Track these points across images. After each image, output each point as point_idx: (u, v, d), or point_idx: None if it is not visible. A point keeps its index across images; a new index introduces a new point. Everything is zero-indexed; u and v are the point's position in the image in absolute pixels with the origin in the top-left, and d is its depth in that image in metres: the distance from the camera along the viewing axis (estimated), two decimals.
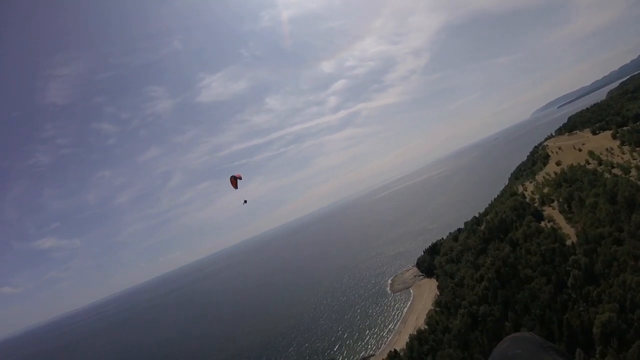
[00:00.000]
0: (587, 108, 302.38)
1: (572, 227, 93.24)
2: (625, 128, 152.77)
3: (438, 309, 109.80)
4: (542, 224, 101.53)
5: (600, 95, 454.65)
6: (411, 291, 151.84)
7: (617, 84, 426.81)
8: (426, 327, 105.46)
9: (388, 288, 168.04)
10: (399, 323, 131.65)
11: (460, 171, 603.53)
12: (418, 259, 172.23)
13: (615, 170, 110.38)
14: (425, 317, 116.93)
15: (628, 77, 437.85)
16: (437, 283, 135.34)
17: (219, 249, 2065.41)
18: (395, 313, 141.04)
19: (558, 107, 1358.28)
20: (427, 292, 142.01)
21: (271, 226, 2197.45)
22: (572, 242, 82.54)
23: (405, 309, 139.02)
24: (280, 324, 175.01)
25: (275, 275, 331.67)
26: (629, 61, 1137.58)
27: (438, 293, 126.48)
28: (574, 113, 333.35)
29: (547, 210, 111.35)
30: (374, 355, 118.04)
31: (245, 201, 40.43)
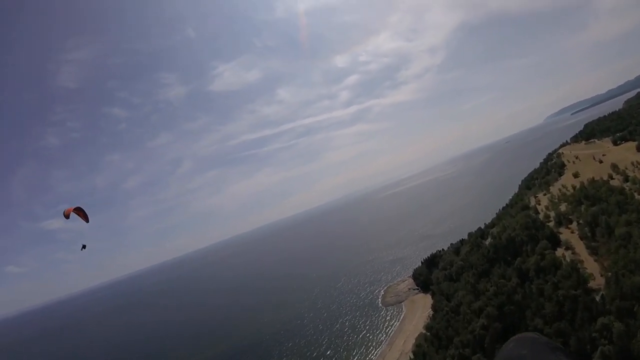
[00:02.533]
0: (604, 116, 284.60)
1: (595, 260, 75.80)
2: None
3: (429, 334, 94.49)
4: (559, 252, 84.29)
5: (616, 104, 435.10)
6: (403, 307, 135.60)
7: (634, 93, 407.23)
8: (411, 357, 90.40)
9: (380, 300, 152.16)
10: (384, 344, 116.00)
11: (468, 173, 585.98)
12: (415, 270, 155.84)
13: None
14: (413, 341, 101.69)
15: None
16: (432, 301, 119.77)
17: (224, 237, 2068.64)
18: (383, 331, 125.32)
19: (572, 114, 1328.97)
20: (420, 310, 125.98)
21: (278, 217, 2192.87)
22: (598, 286, 65.28)
23: (395, 328, 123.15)
24: (265, 328, 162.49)
25: (274, 269, 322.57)
26: None
27: (431, 314, 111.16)
28: (589, 120, 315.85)
29: (565, 234, 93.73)
30: None
31: (84, 246, 27.47)
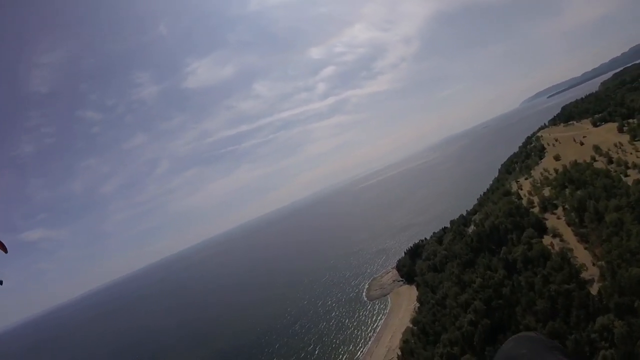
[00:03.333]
0: (582, 98, 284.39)
1: (586, 248, 72.33)
2: (633, 121, 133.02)
3: (415, 328, 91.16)
4: (547, 240, 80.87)
5: (592, 86, 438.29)
6: (389, 299, 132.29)
7: (610, 75, 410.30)
8: (399, 353, 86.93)
9: (365, 293, 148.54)
10: (371, 341, 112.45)
11: (448, 160, 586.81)
12: (398, 261, 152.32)
13: (633, 173, 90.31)
14: (400, 337, 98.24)
15: (621, 68, 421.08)
16: (417, 293, 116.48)
17: (207, 237, 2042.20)
18: (370, 327, 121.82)
19: (548, 97, 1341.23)
20: (405, 302, 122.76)
21: (260, 213, 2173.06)
22: (592, 277, 61.65)
23: (381, 323, 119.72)
24: (251, 329, 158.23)
25: (257, 266, 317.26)
26: (619, 54, 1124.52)
27: (417, 306, 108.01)
28: (566, 103, 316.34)
29: (551, 220, 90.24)
30: None
31: (1, 282, 21.86)
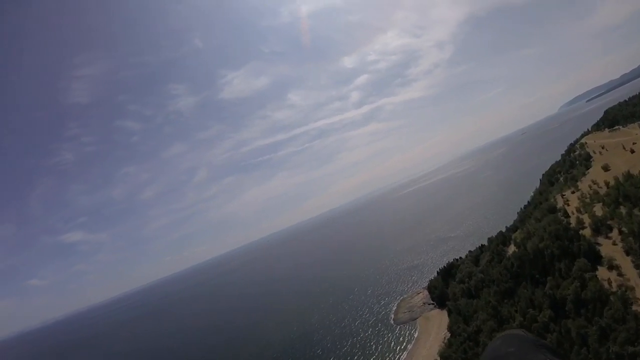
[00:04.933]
0: (625, 101, 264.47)
1: None
2: None
3: None
4: (602, 272, 66.98)
5: (632, 88, 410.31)
6: (417, 325, 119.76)
7: None
8: None
9: (392, 315, 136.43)
10: None
11: (485, 168, 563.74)
12: (430, 281, 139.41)
13: None
14: None
15: None
16: (447, 320, 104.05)
17: (243, 244, 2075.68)
18: (395, 355, 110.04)
19: (587, 101, 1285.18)
20: (435, 329, 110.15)
21: (296, 221, 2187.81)
22: None
23: (407, 353, 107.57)
24: (276, 344, 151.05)
25: (289, 276, 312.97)
26: None
27: (447, 336, 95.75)
28: (608, 107, 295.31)
29: (605, 245, 76.16)
30: None
31: None
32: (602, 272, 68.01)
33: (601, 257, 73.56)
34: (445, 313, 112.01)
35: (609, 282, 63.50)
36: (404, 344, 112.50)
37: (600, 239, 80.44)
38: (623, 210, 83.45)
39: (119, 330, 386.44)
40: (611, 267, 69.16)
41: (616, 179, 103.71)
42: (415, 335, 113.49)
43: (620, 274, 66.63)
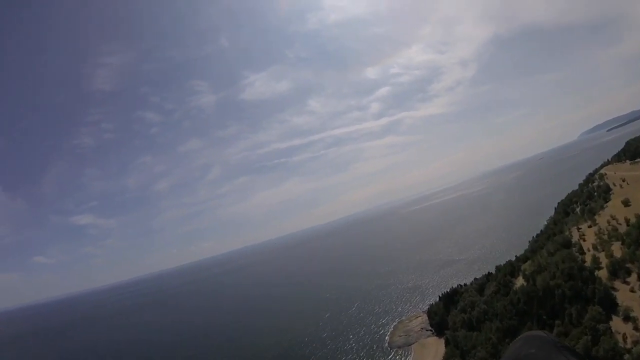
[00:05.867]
0: None
1: None
2: None
3: None
4: (616, 323, 59.44)
5: None
6: (412, 351, 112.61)
7: None
8: None
9: (388, 338, 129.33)
10: None
11: (499, 191, 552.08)
12: (431, 306, 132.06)
13: None
14: None
15: None
16: (444, 351, 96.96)
17: (249, 244, 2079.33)
18: None
19: (607, 130, 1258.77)
20: (429, 359, 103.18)
21: (305, 226, 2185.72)
22: None
23: None
24: (266, 349, 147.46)
25: (290, 282, 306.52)
26: None
27: None
28: (629, 137, 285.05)
29: (622, 292, 68.13)
30: None
31: None
32: (616, 323, 60.52)
33: (617, 305, 65.95)
34: (442, 342, 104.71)
35: (624, 338, 55.99)
36: None
37: (617, 284, 72.60)
38: None
39: (116, 317, 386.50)
40: (627, 319, 61.48)
41: (638, 216, 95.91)
42: None
43: (636, 328, 58.86)
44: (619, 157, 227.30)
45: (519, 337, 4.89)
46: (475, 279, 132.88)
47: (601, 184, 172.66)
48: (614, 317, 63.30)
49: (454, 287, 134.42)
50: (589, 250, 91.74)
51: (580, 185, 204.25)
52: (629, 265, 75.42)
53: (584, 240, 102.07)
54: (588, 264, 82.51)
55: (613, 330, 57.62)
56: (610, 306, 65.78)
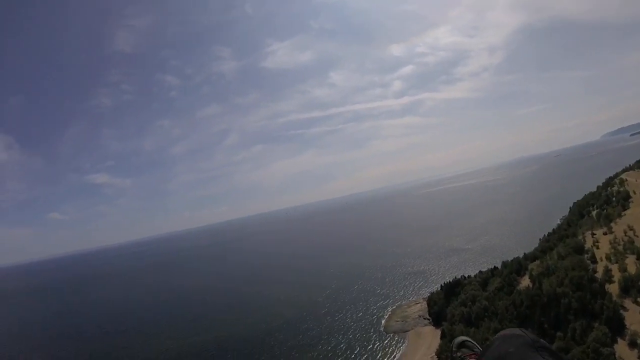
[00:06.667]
0: None
1: None
2: None
3: None
4: (621, 348, 55.19)
5: None
6: (407, 338, 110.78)
7: None
8: None
9: (384, 322, 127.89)
10: None
11: (514, 183, 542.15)
12: (431, 294, 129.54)
13: None
14: None
15: None
16: (439, 343, 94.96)
17: (262, 211, 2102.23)
18: None
19: (630, 135, 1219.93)
20: (423, 349, 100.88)
21: (317, 199, 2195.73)
22: None
23: None
24: (260, 322, 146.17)
25: (300, 253, 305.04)
26: None
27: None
28: None
29: (632, 312, 63.41)
30: None
31: None
32: (621, 348, 56.36)
33: (625, 327, 61.73)
34: (438, 334, 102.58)
35: None
36: (389, 356, 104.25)
37: (628, 302, 67.89)
38: None
39: (127, 274, 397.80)
40: (633, 345, 57.24)
41: None
42: (401, 351, 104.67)
43: None
44: None
45: (497, 335, 4.51)
46: (480, 271, 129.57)
47: (621, 189, 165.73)
48: (619, 340, 59.35)
49: (457, 277, 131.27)
50: (601, 260, 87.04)
51: (598, 187, 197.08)
52: None
53: (598, 247, 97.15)
54: (599, 275, 78.10)
55: (617, 356, 53.89)
56: (618, 327, 61.69)
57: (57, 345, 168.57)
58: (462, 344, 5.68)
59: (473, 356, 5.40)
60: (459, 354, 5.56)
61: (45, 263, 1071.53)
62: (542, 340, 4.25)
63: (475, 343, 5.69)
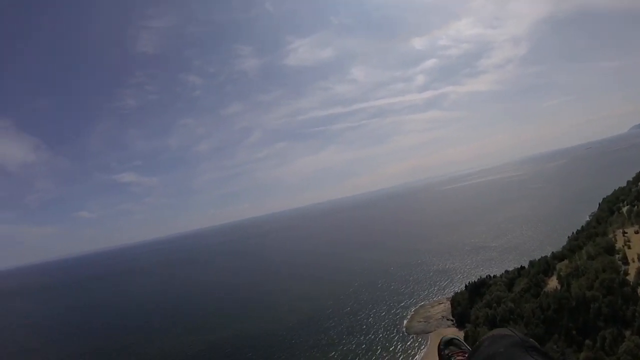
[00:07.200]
0: None
1: None
2: None
3: None
4: None
5: None
6: (429, 339, 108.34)
7: None
8: None
9: (406, 322, 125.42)
10: None
11: (540, 178, 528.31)
12: (455, 294, 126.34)
13: None
14: None
15: None
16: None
17: (284, 208, 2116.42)
18: None
19: None
20: None
21: (339, 195, 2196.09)
22: None
23: None
24: (285, 319, 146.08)
25: (323, 251, 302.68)
26: None
27: None
28: None
29: None
30: None
31: None
32: None
33: None
34: (461, 336, 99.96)
35: None
36: (411, 358, 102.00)
37: None
38: None
39: (152, 270, 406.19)
40: None
41: None
42: (423, 353, 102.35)
43: None
44: None
45: (486, 335, 4.50)
46: (507, 271, 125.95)
47: None
48: None
49: (482, 277, 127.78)
50: (633, 261, 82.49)
51: (628, 182, 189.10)
52: None
53: (629, 247, 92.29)
54: (631, 278, 74.02)
55: None
56: None
57: (79, 339, 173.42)
58: (450, 342, 5.55)
59: (461, 354, 5.25)
60: (446, 351, 5.40)
61: (72, 260, 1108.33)
62: (531, 340, 4.17)
63: (463, 342, 5.54)
